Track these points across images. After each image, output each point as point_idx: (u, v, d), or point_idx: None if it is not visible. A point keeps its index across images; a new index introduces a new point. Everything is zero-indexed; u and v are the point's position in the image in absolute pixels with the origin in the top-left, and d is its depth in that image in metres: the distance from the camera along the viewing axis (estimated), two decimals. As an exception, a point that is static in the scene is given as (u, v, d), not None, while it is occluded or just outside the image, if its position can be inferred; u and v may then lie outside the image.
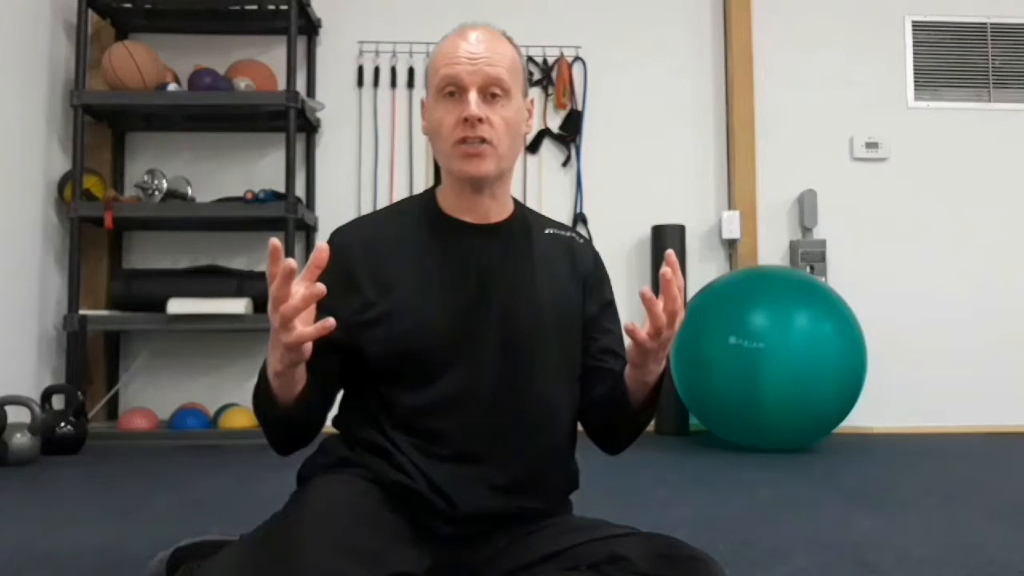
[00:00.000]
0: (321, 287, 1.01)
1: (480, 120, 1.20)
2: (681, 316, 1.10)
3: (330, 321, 1.02)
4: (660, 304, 1.09)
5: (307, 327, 1.03)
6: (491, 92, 1.22)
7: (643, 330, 1.10)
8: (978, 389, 4.27)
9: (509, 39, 1.28)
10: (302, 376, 1.13)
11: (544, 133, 4.35)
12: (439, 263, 1.26)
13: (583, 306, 1.33)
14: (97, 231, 3.98)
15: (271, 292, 1.01)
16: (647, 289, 1.08)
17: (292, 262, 1.00)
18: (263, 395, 1.16)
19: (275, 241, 1.01)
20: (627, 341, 1.17)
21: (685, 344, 3.63)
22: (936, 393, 4.26)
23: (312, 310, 1.07)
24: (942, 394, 4.26)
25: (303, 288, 1.01)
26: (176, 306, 3.70)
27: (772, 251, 4.34)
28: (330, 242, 1.28)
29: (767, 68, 4.40)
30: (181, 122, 4.16)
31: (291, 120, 3.86)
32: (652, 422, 4.52)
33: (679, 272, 1.09)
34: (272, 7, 4.06)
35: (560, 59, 4.36)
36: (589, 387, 1.32)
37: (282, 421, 1.18)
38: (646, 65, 4.42)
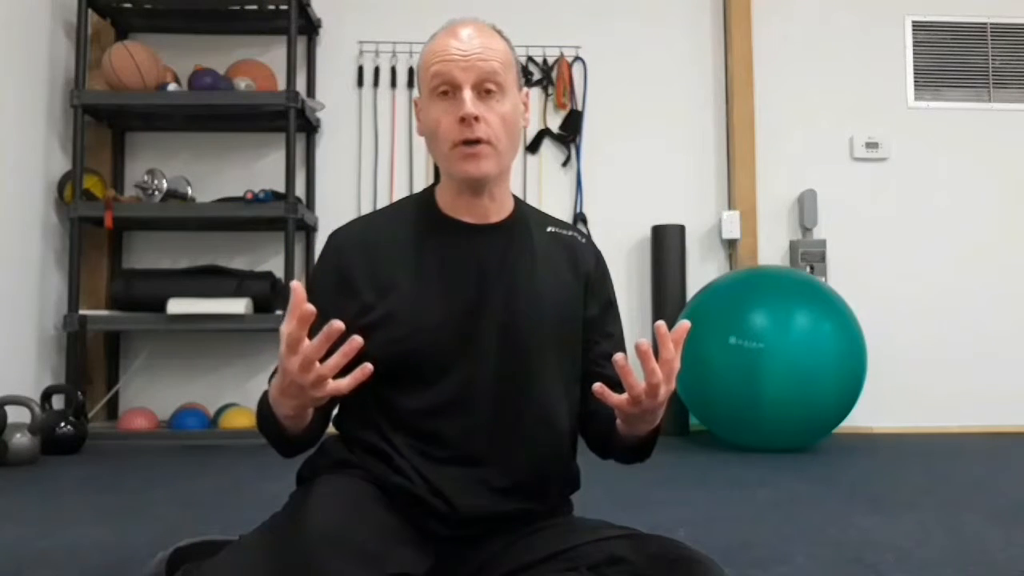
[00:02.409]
0: (358, 340, 1.00)
1: (477, 119, 1.18)
2: (676, 368, 1.08)
3: (368, 368, 1.00)
4: (654, 360, 1.06)
5: (341, 380, 1.01)
6: (486, 88, 1.20)
7: (639, 385, 1.06)
8: (978, 389, 4.26)
9: (499, 32, 1.26)
10: (311, 410, 1.15)
11: (544, 133, 4.35)
12: (438, 264, 1.25)
13: (584, 307, 1.32)
14: (97, 231, 3.98)
15: (288, 336, 0.99)
16: (644, 342, 1.04)
17: (311, 308, 0.98)
18: (269, 424, 1.16)
19: (298, 286, 0.99)
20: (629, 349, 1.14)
21: (685, 344, 3.63)
22: (936, 393, 4.26)
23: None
24: (942, 394, 4.26)
25: (326, 342, 0.99)
26: (176, 306, 3.70)
27: (772, 251, 4.34)
28: (328, 244, 1.28)
29: (767, 68, 4.40)
30: (181, 122, 4.16)
31: (291, 120, 3.86)
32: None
33: (667, 340, 1.06)
34: (272, 7, 4.06)
35: (560, 59, 4.36)
36: (586, 396, 1.30)
37: (290, 442, 1.20)
38: (646, 65, 4.42)
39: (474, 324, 1.23)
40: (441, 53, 1.21)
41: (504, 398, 1.22)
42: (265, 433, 1.20)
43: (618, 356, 1.04)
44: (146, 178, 3.95)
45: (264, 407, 1.17)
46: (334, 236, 1.28)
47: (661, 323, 1.06)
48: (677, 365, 1.08)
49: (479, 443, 1.20)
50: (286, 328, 0.99)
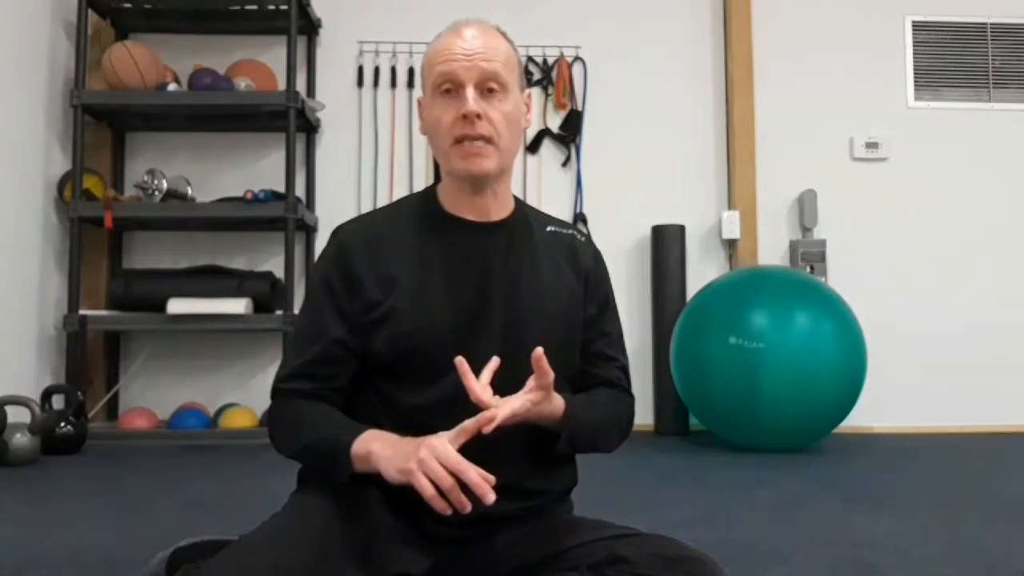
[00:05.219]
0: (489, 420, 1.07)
1: (478, 116, 1.19)
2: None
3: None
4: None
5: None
6: (488, 87, 1.21)
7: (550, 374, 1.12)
8: (978, 389, 4.26)
9: (503, 34, 1.28)
10: None
11: (544, 133, 4.35)
12: (441, 261, 1.25)
13: (584, 305, 1.33)
14: (97, 231, 3.98)
15: (449, 455, 1.03)
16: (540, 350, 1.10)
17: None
18: (323, 466, 1.17)
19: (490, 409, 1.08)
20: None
21: (685, 344, 3.63)
22: (936, 393, 4.26)
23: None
24: (942, 394, 4.26)
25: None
26: (176, 306, 3.70)
27: (772, 251, 4.34)
28: (332, 240, 1.28)
29: (767, 68, 4.40)
30: (181, 122, 4.16)
31: (291, 120, 3.86)
32: (652, 422, 4.44)
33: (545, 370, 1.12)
34: (272, 7, 4.06)
35: (560, 59, 4.36)
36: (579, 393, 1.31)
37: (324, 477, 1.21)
38: (646, 65, 4.42)
39: (476, 321, 1.23)
40: (445, 52, 1.22)
41: (504, 395, 1.21)
42: (308, 460, 1.22)
43: (537, 349, 1.10)
44: (146, 178, 3.95)
45: (319, 441, 1.17)
46: (338, 232, 1.29)
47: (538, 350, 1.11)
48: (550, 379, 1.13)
49: (480, 441, 1.20)
50: (471, 425, 1.06)
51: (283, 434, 1.23)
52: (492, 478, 1.03)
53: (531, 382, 1.13)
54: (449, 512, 1.02)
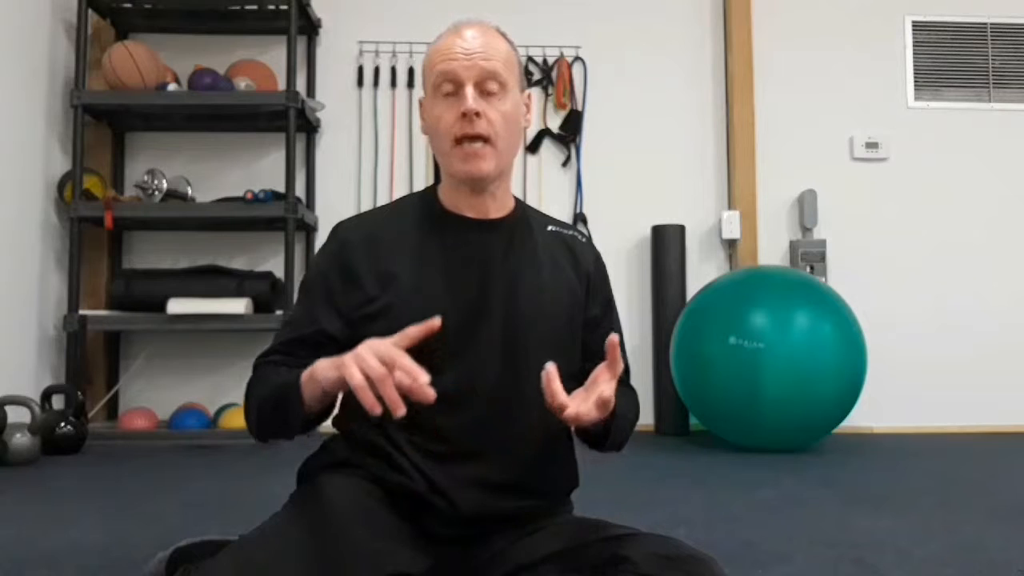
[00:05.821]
0: (435, 322, 1.05)
1: (477, 114, 1.20)
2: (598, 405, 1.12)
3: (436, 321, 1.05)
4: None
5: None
6: (488, 87, 1.22)
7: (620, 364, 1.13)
8: (978, 389, 4.26)
9: (503, 34, 1.28)
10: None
11: (544, 133, 4.35)
12: (440, 258, 1.26)
13: (585, 305, 1.33)
14: (97, 231, 3.98)
15: (390, 349, 1.01)
16: (615, 336, 1.11)
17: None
18: (279, 410, 1.16)
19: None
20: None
21: (685, 344, 3.64)
22: (936, 393, 4.26)
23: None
24: (942, 394, 4.26)
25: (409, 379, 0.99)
26: (176, 306, 3.70)
27: (772, 251, 4.34)
28: (332, 235, 1.29)
29: (767, 68, 4.40)
30: (181, 122, 4.16)
31: (291, 120, 3.86)
32: (652, 422, 4.43)
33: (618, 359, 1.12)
34: (272, 7, 4.06)
35: (560, 59, 4.36)
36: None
37: (284, 429, 1.19)
38: (646, 65, 4.42)
39: (475, 318, 1.23)
40: (445, 52, 1.22)
41: (504, 394, 1.22)
42: (263, 414, 1.20)
43: (613, 336, 1.11)
44: (146, 178, 3.95)
45: (277, 393, 1.16)
46: (338, 228, 1.29)
47: (613, 336, 1.12)
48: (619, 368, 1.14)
49: (479, 439, 1.21)
50: (414, 332, 1.04)
51: (249, 401, 1.22)
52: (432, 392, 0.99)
53: (606, 372, 1.12)
54: (379, 410, 0.98)
